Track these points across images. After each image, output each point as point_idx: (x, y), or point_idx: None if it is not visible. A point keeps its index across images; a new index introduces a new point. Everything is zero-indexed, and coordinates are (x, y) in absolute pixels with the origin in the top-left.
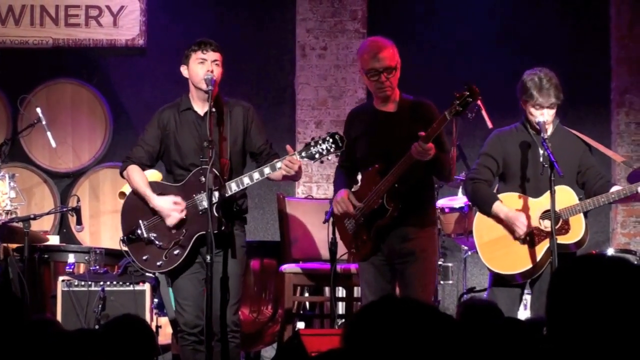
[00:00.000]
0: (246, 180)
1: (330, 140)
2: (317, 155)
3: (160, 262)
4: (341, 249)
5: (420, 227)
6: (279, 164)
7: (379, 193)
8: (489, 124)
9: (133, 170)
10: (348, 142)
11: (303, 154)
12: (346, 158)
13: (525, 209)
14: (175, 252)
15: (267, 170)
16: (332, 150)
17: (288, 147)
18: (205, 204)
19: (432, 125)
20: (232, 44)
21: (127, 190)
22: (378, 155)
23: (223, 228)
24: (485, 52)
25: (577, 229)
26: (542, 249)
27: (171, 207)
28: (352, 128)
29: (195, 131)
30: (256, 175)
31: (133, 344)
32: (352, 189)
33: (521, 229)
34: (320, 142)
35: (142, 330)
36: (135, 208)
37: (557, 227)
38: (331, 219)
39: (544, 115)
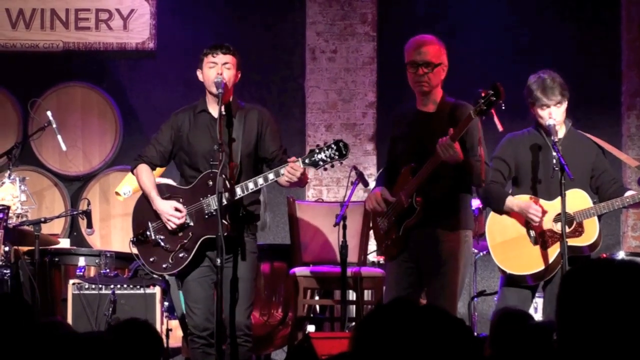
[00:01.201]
0: (250, 185)
1: (334, 147)
2: (320, 163)
3: (166, 265)
4: (351, 252)
5: (450, 229)
6: (282, 170)
7: (409, 192)
8: (500, 128)
9: (142, 170)
10: (391, 141)
11: (307, 160)
12: (389, 157)
13: None
14: (181, 254)
15: (271, 176)
16: (335, 157)
17: (293, 158)
18: (211, 208)
19: (458, 125)
20: (242, 47)
21: (121, 190)
22: (415, 154)
23: (230, 232)
24: (495, 56)
25: (591, 232)
26: (554, 251)
27: (170, 213)
28: (394, 128)
29: (208, 133)
30: (260, 181)
31: (139, 347)
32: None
33: (536, 216)
34: (324, 149)
35: (149, 334)
36: (145, 209)
37: (570, 229)
38: (342, 222)
39: (551, 115)
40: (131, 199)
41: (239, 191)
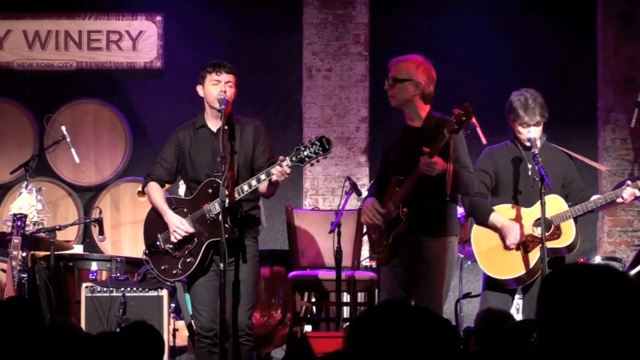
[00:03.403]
0: (245, 188)
1: (318, 143)
2: (306, 159)
3: (176, 271)
4: (345, 257)
5: (435, 236)
6: (272, 170)
7: (396, 203)
8: (484, 140)
9: (152, 187)
10: (383, 153)
11: (294, 158)
12: (380, 170)
13: (518, 219)
14: (188, 259)
15: (262, 176)
16: (320, 152)
17: (280, 157)
18: (212, 213)
19: (434, 142)
20: (243, 66)
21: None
22: (402, 167)
23: (229, 235)
24: (480, 75)
25: (568, 234)
26: (535, 255)
27: (177, 225)
28: (387, 141)
29: (209, 147)
30: (253, 182)
31: (142, 348)
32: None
33: (512, 240)
34: (309, 146)
35: (152, 336)
36: (154, 222)
37: (549, 232)
38: (337, 229)
39: (530, 133)
40: (141, 210)
41: (235, 194)
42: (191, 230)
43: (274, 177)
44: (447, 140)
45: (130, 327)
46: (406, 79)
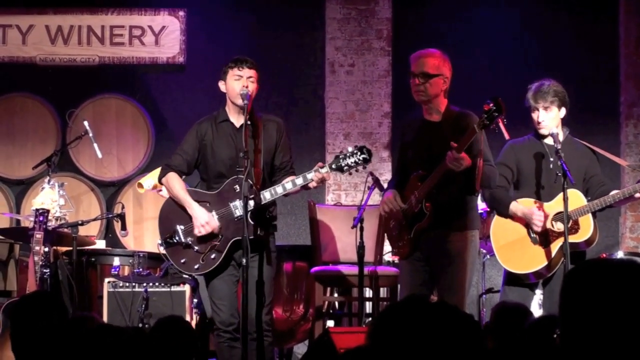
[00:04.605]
0: (279, 190)
1: (359, 153)
2: (345, 168)
3: (198, 265)
4: (368, 252)
5: (457, 230)
6: (310, 175)
7: (418, 198)
8: (506, 136)
9: (172, 177)
10: (400, 148)
11: (333, 166)
12: (399, 164)
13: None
14: (212, 256)
15: (299, 181)
16: (360, 161)
17: (319, 164)
18: (239, 211)
19: (462, 137)
20: (266, 62)
21: (144, 182)
22: (422, 162)
23: (257, 234)
24: (504, 69)
25: (586, 228)
26: (554, 249)
27: (205, 220)
28: (403, 135)
29: (232, 142)
30: (289, 186)
31: (176, 343)
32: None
33: (538, 224)
34: (349, 155)
35: (185, 332)
36: (172, 213)
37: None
38: (359, 225)
39: (539, 118)
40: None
41: (267, 195)
42: (218, 226)
43: (313, 184)
44: (476, 135)
45: (162, 322)
46: (437, 74)
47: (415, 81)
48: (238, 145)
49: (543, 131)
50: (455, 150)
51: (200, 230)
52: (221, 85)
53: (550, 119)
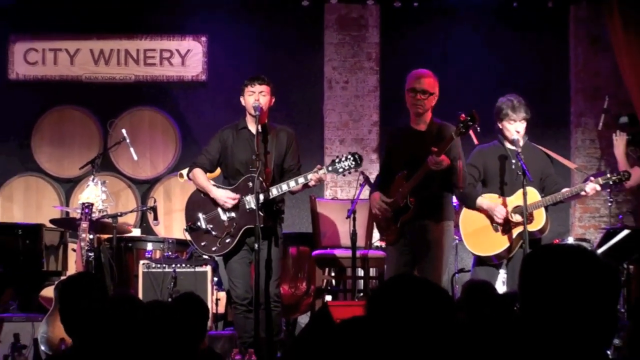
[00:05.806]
0: (284, 187)
1: (351, 158)
2: (340, 170)
3: (215, 248)
4: (360, 238)
5: (436, 221)
6: (309, 175)
7: (403, 194)
8: (475, 141)
9: (198, 172)
10: (386, 152)
11: (329, 168)
12: (385, 165)
13: (503, 205)
14: (227, 240)
15: (301, 180)
16: (352, 166)
17: (318, 166)
18: (252, 204)
19: (442, 143)
20: (274, 79)
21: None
22: (408, 163)
23: (264, 223)
24: (472, 86)
25: (539, 220)
26: (512, 235)
27: (227, 196)
28: (390, 141)
29: (248, 146)
30: (292, 184)
31: (191, 314)
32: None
33: (499, 216)
34: (343, 159)
35: (198, 304)
36: (197, 203)
37: (524, 218)
38: (352, 215)
39: (517, 129)
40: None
41: (274, 191)
42: (238, 197)
43: (311, 182)
44: (454, 141)
45: (181, 297)
46: (433, 92)
47: (417, 96)
48: (254, 149)
49: (515, 137)
50: (435, 154)
51: (226, 205)
52: (241, 99)
53: (524, 129)
